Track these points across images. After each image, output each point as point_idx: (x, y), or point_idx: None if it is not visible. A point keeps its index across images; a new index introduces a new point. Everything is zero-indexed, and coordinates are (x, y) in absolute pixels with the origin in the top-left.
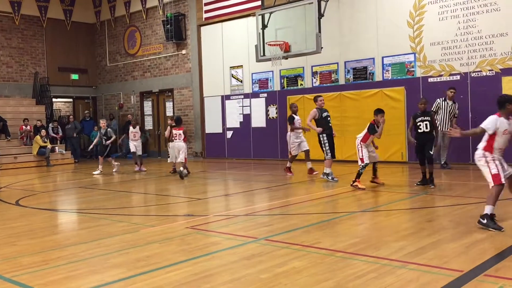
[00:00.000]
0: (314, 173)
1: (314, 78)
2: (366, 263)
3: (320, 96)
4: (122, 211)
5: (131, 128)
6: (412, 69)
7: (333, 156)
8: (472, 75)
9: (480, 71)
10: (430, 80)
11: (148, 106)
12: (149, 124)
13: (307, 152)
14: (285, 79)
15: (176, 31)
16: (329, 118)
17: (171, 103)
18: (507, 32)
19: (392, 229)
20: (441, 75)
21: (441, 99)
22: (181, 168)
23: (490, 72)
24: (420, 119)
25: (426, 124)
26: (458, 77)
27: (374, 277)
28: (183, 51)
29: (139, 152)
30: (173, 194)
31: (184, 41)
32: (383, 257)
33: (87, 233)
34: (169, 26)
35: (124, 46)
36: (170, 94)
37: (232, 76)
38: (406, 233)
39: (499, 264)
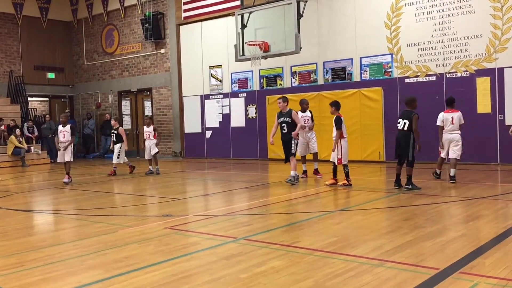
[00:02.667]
0: (318, 175)
1: (293, 78)
2: (344, 261)
3: (283, 97)
4: (100, 211)
5: (60, 127)
6: (390, 69)
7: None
8: (447, 76)
9: (456, 72)
10: (407, 80)
11: (126, 105)
12: (127, 123)
13: (314, 154)
14: (264, 79)
15: (155, 30)
16: (284, 125)
17: (150, 102)
18: (481, 34)
19: (369, 228)
20: (417, 76)
21: None
22: (150, 168)
23: (465, 73)
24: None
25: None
26: (434, 77)
27: (352, 275)
28: (162, 50)
29: (68, 158)
30: (152, 194)
31: (163, 40)
32: (361, 256)
33: (64, 234)
34: (147, 25)
35: (102, 45)
36: (148, 93)
37: (212, 76)
38: (383, 232)
39: (474, 262)
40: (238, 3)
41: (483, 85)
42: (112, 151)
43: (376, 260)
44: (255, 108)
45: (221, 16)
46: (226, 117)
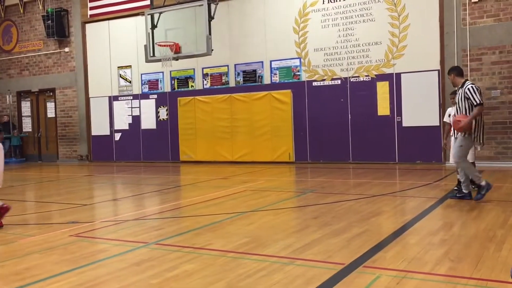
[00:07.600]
0: None
1: (205, 80)
2: (256, 261)
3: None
4: None
5: None
6: (298, 73)
7: None
8: (351, 80)
9: (358, 76)
10: (314, 84)
11: (26, 106)
12: (27, 126)
13: None
14: (175, 80)
15: (58, 27)
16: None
17: (53, 103)
18: (381, 41)
19: (280, 227)
20: (324, 80)
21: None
22: None
23: (367, 77)
24: None
25: None
26: (339, 81)
27: (264, 275)
28: (66, 49)
29: None
30: (55, 201)
31: (67, 38)
32: (272, 255)
33: None
34: (50, 21)
35: None
36: (51, 94)
37: (120, 76)
38: (293, 231)
39: (376, 256)
40: (148, 2)
41: (382, 89)
42: None
43: (287, 258)
44: (166, 110)
45: (130, 16)
46: (136, 119)
